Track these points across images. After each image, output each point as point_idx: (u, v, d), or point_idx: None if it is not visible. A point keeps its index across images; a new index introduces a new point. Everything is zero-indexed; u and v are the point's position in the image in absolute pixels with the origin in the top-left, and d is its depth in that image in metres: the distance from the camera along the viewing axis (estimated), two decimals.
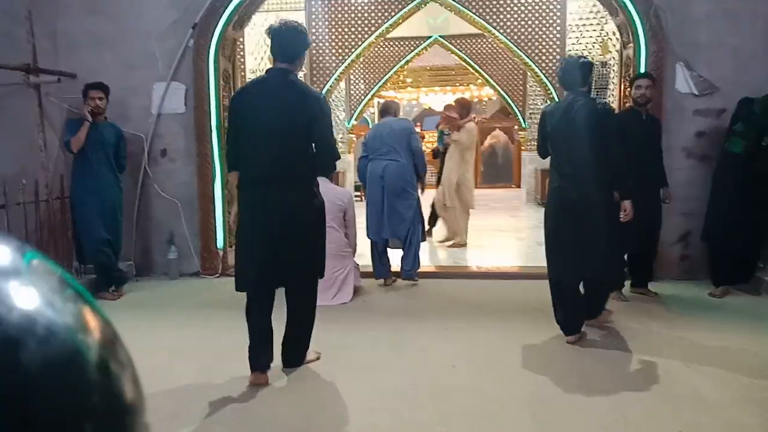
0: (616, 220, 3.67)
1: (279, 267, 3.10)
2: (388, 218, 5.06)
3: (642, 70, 5.10)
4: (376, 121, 17.24)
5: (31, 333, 0.33)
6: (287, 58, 3.06)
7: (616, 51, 8.03)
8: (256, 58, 9.13)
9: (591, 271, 3.70)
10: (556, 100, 9.12)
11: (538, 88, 10.68)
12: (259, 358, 3.14)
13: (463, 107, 7.23)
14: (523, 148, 12.61)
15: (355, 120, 12.57)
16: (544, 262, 4.58)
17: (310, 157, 3.10)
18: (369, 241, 5.28)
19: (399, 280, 5.28)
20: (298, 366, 3.34)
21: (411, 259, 5.18)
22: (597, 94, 8.40)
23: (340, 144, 12.23)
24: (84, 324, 0.36)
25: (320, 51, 9.33)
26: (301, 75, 9.17)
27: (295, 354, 3.35)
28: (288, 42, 3.05)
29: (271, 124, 3.00)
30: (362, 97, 12.59)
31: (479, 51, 12.13)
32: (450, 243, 7.16)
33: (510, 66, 12.14)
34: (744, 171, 4.57)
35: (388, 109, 5.46)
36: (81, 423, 0.34)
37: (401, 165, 5.04)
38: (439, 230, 7.42)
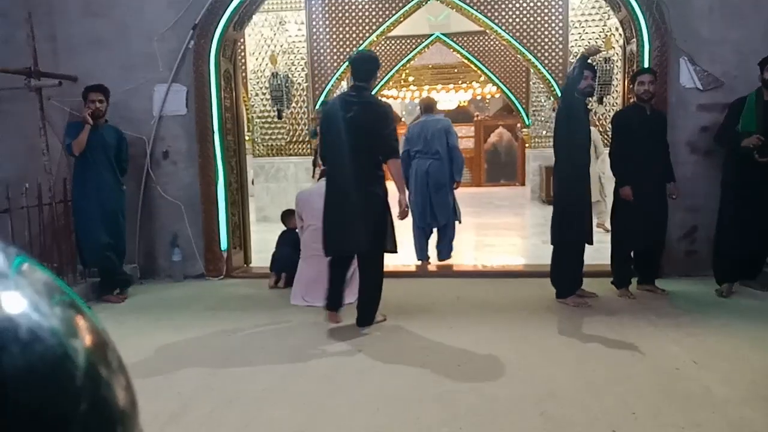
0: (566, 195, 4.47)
1: (353, 238, 3.88)
2: (431, 209, 5.75)
3: (646, 65, 5.06)
4: None
5: (13, 336, 0.31)
6: (362, 78, 3.94)
7: (619, 46, 7.99)
8: (257, 58, 9.13)
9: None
10: (560, 96, 9.10)
11: (542, 85, 10.64)
12: (333, 299, 4.03)
13: None
14: (527, 145, 12.55)
15: None
16: (548, 260, 4.61)
17: (377, 150, 3.88)
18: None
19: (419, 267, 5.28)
20: (369, 326, 3.99)
21: (447, 244, 5.88)
22: (601, 90, 8.33)
23: None
24: (72, 328, 0.35)
25: (321, 50, 9.30)
26: (302, 75, 9.20)
27: (366, 315, 4.00)
28: (362, 66, 3.95)
29: (352, 128, 3.81)
30: None
31: (481, 48, 12.10)
32: None
33: (512, 63, 12.11)
34: (752, 168, 4.44)
35: (432, 107, 6.01)
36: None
37: (442, 163, 5.73)
38: None
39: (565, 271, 4.48)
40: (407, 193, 5.39)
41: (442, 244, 5.93)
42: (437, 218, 5.79)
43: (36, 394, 0.31)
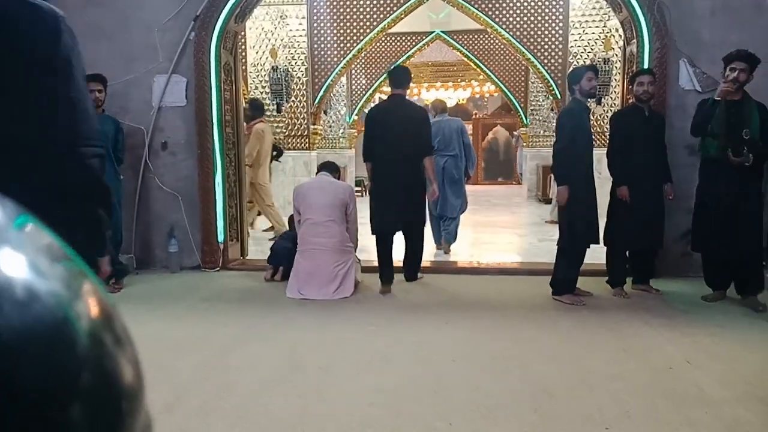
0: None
1: (407, 214, 4.84)
2: (443, 200, 6.32)
3: (645, 66, 5.08)
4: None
5: (8, 295, 0.28)
6: (400, 86, 4.88)
7: (619, 48, 8.00)
8: (258, 52, 9.11)
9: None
10: (558, 96, 9.11)
11: (540, 85, 10.65)
12: (385, 273, 4.83)
13: (253, 108, 7.14)
14: (524, 144, 12.56)
15: (356, 115, 12.55)
16: (544, 258, 4.63)
17: (418, 148, 4.78)
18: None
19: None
20: (415, 280, 5.09)
21: (453, 230, 6.53)
22: (600, 91, 8.37)
23: (341, 140, 12.22)
24: (75, 293, 0.32)
25: (321, 45, 9.29)
26: (302, 69, 9.17)
27: (414, 272, 5.10)
28: (399, 76, 4.90)
29: (397, 129, 4.72)
30: (363, 93, 12.57)
31: (481, 47, 12.10)
32: (272, 233, 7.29)
33: (512, 62, 12.11)
34: (725, 170, 4.22)
35: (444, 109, 6.71)
36: (66, 404, 0.29)
37: (456, 159, 6.41)
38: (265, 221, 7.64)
39: (564, 270, 4.50)
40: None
41: (449, 229, 6.53)
42: (448, 209, 6.42)
43: (33, 361, 0.28)
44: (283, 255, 5.13)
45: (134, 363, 0.35)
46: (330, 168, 5.00)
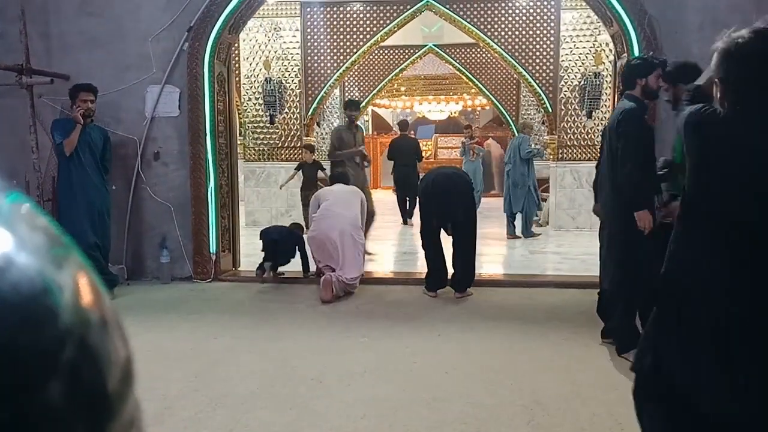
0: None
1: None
2: (509, 201, 8.17)
3: None
4: (370, 130, 17.40)
5: None
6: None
7: (609, 62, 8.09)
8: (251, 63, 9.14)
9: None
10: (549, 110, 9.18)
11: (532, 98, 10.71)
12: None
13: None
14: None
15: None
16: (535, 271, 4.62)
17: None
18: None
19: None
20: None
21: (525, 224, 8.25)
22: (590, 104, 8.47)
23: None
24: (60, 267, 0.30)
25: (315, 58, 9.33)
26: (296, 81, 9.17)
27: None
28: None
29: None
30: None
31: (473, 60, 12.19)
32: None
33: (504, 76, 12.20)
34: None
35: (523, 129, 8.73)
36: (45, 380, 0.26)
37: (516, 167, 8.12)
38: None
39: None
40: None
41: (524, 227, 8.21)
42: (512, 207, 8.14)
43: (6, 327, 0.26)
44: (270, 250, 5.39)
45: (124, 343, 0.33)
46: (344, 179, 5.65)
